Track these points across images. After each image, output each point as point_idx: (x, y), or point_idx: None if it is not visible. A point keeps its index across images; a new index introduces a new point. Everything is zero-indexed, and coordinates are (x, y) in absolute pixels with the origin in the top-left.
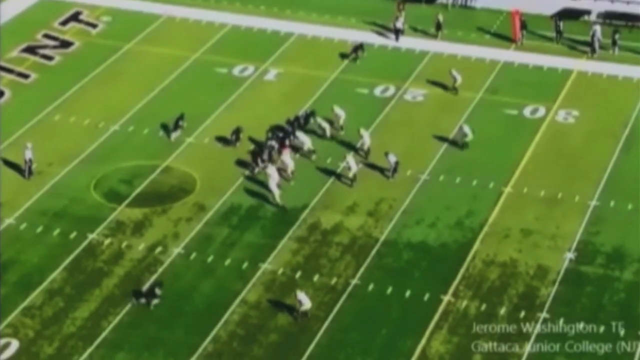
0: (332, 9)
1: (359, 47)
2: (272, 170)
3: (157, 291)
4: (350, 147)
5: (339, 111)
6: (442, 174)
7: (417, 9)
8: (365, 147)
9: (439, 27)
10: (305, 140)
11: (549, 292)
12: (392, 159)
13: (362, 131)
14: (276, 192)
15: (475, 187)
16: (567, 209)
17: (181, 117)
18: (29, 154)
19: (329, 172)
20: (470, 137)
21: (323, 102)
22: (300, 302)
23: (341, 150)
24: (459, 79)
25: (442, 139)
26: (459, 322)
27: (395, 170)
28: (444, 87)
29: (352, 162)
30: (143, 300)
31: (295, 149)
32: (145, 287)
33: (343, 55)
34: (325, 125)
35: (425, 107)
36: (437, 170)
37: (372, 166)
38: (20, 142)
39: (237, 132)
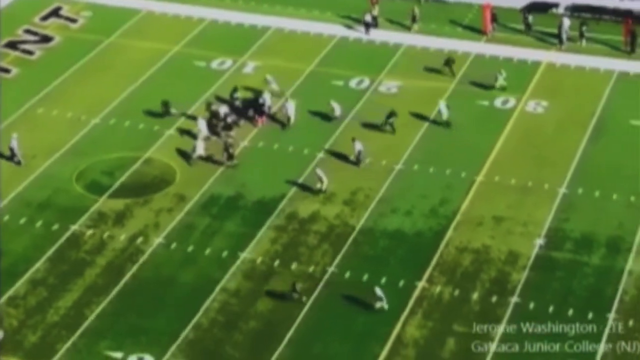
0: (308, 3)
1: (450, 61)
2: (202, 125)
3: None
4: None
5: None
6: (416, 163)
7: (391, 3)
8: (336, 114)
9: (414, 19)
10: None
11: (520, 277)
12: (358, 146)
13: (333, 103)
14: (200, 146)
15: (449, 177)
16: (538, 197)
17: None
18: (14, 144)
19: (306, 162)
20: (446, 114)
21: (300, 94)
22: (379, 298)
23: (318, 142)
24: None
25: (416, 129)
26: (434, 308)
27: (359, 157)
28: (418, 78)
29: (322, 175)
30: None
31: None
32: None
33: (432, 70)
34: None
35: (400, 99)
36: (412, 160)
37: (340, 155)
38: (4, 136)
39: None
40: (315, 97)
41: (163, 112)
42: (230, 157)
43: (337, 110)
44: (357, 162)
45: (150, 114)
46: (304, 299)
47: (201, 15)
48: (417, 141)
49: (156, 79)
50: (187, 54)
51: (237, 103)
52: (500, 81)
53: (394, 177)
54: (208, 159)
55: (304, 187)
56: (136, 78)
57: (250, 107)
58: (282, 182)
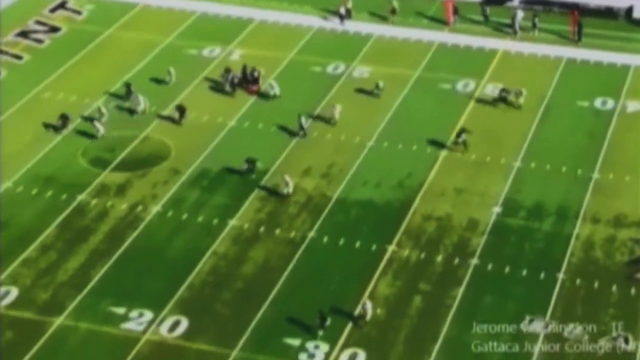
0: None
1: (505, 90)
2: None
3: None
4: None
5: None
6: (385, 140)
7: None
8: (333, 120)
9: (393, 12)
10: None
11: (479, 241)
12: (303, 121)
13: (336, 107)
14: (100, 127)
15: (415, 152)
16: (494, 170)
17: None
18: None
19: (288, 140)
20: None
21: (283, 79)
22: (364, 310)
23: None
24: (524, 94)
25: (386, 110)
26: (402, 269)
27: (302, 130)
28: (387, 65)
29: (289, 180)
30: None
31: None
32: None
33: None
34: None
35: (371, 82)
36: (382, 137)
37: (319, 133)
38: (16, 117)
39: (181, 109)
40: (295, 82)
41: (61, 126)
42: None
43: (336, 113)
44: (298, 134)
45: (147, 96)
46: (320, 332)
47: (193, 8)
48: (388, 120)
49: (151, 66)
50: (180, 44)
51: (231, 78)
52: (521, 100)
53: (365, 153)
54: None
55: (285, 163)
56: (133, 65)
57: (244, 79)
58: (266, 157)
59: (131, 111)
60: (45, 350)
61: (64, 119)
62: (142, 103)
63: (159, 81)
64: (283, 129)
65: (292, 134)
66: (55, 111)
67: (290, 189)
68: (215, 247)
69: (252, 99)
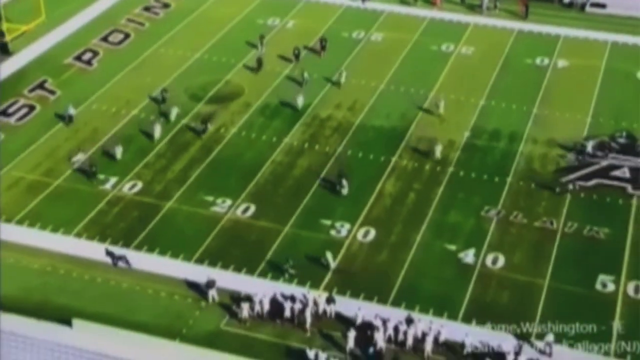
0: None
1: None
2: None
3: None
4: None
5: None
6: (392, 85)
7: None
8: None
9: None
10: None
11: (455, 155)
12: (306, 76)
13: (441, 101)
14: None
15: (413, 94)
16: (467, 106)
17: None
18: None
19: (323, 85)
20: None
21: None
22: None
23: (331, 71)
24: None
25: (392, 63)
26: (402, 173)
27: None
28: (394, 32)
29: (345, 183)
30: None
31: None
32: None
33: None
34: None
35: (383, 45)
36: (389, 83)
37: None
38: (142, 65)
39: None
40: (330, 44)
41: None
42: None
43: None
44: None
45: (230, 50)
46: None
47: None
48: (393, 71)
49: (233, 31)
50: (252, 16)
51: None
52: None
53: (378, 94)
54: None
55: (323, 99)
56: (220, 29)
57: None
58: (310, 95)
59: (165, 115)
60: (161, 224)
61: (91, 168)
62: (174, 112)
63: (251, 44)
64: (322, 76)
65: (329, 80)
66: (168, 62)
67: (346, 190)
68: (274, 157)
69: (303, 57)
